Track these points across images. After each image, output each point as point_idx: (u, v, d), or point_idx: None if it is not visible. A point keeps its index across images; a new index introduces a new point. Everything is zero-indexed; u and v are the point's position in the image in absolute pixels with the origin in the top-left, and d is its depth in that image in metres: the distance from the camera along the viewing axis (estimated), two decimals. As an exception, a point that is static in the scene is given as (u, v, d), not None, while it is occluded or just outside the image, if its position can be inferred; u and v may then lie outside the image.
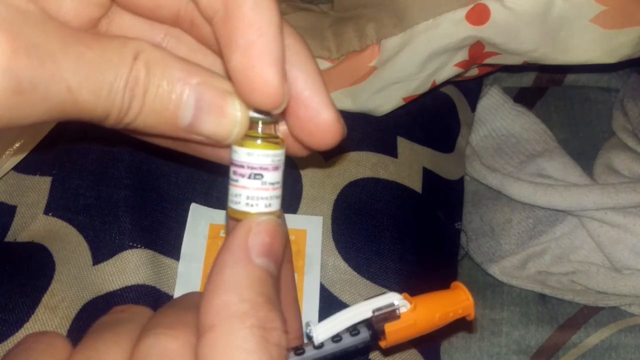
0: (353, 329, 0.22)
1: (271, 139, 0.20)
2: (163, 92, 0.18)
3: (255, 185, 0.20)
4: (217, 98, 0.19)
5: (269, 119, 0.20)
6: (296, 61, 0.20)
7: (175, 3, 0.20)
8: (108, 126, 0.18)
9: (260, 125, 0.20)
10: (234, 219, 0.20)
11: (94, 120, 0.18)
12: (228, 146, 0.20)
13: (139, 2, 0.20)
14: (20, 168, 0.35)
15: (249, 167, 0.20)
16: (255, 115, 0.20)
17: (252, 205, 0.20)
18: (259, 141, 0.20)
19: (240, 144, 0.20)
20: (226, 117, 0.19)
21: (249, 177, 0.20)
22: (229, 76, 0.18)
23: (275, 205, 0.20)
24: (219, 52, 0.20)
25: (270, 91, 0.18)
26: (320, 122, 0.20)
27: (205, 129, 0.19)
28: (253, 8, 0.17)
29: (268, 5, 0.17)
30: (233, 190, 0.20)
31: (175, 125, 0.19)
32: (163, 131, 0.19)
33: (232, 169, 0.20)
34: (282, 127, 0.22)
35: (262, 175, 0.20)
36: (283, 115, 0.20)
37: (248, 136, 0.20)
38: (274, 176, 0.20)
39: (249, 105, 0.19)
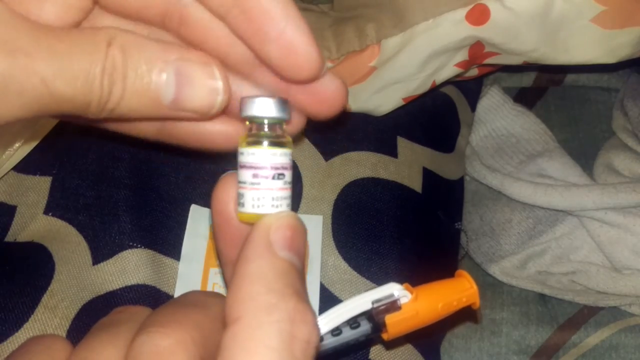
0: (353, 322, 0.22)
1: (282, 139, 0.20)
2: (142, 72, 0.18)
3: (278, 186, 0.19)
4: (196, 70, 0.19)
5: (280, 119, 0.20)
6: None
7: (164, 1, 0.20)
8: (93, 117, 0.18)
9: (266, 125, 0.20)
10: (249, 224, 0.20)
11: (76, 111, 0.18)
12: (213, 118, 0.20)
13: (125, 3, 0.20)
14: (20, 168, 0.35)
15: (273, 168, 0.19)
16: (270, 115, 0.19)
17: (277, 207, 0.19)
18: (266, 142, 0.19)
19: (260, 145, 0.19)
20: (208, 87, 0.19)
21: (274, 178, 0.19)
22: (264, 61, 0.19)
23: (289, 204, 0.20)
24: (210, 48, 0.20)
25: (315, 65, 0.19)
26: (330, 89, 0.20)
27: (189, 102, 0.19)
28: (270, 1, 0.18)
29: None
30: (254, 193, 0.19)
31: (159, 104, 0.19)
32: (148, 113, 0.19)
33: (252, 172, 0.19)
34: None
35: (284, 175, 0.19)
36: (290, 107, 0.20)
37: (265, 137, 0.19)
38: (291, 174, 0.20)
39: (295, 81, 0.19)
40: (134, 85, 0.18)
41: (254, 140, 0.19)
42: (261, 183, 0.19)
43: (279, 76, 0.20)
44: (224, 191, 0.20)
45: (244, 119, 0.20)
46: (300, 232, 0.19)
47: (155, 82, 0.18)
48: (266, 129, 0.20)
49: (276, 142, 0.19)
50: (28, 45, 0.16)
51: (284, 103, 0.20)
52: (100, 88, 0.17)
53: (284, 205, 0.20)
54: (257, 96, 0.19)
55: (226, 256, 0.21)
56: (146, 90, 0.18)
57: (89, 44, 0.17)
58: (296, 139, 0.23)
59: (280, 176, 0.19)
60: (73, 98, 0.17)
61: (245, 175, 0.19)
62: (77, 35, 0.17)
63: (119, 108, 0.18)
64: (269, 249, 0.18)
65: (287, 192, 0.20)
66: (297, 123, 0.22)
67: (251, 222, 0.19)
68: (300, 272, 0.18)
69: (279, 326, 0.16)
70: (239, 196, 0.20)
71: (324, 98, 0.21)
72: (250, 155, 0.19)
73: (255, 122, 0.20)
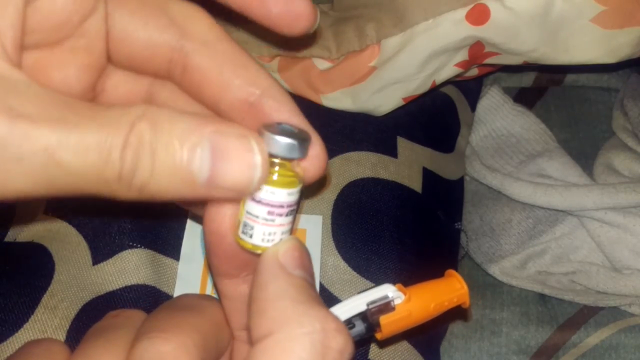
0: (348, 323, 0.22)
1: (299, 176, 0.20)
2: (174, 148, 0.16)
3: (289, 221, 0.20)
4: (233, 143, 0.17)
5: (300, 157, 0.20)
6: None
7: (169, 49, 0.20)
8: (121, 197, 0.17)
9: (277, 165, 0.19)
10: (255, 254, 0.20)
11: (98, 189, 0.16)
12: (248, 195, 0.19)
13: (134, 55, 0.20)
14: (20, 168, 0.34)
15: (288, 206, 0.19)
16: (292, 157, 0.19)
17: (283, 238, 0.20)
18: (284, 180, 0.19)
19: (279, 185, 0.19)
20: (245, 162, 0.18)
21: (287, 215, 0.20)
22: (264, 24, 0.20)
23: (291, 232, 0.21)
24: (205, 101, 0.21)
25: (311, 18, 0.21)
26: (299, 10, 0.22)
27: (225, 179, 0.17)
28: None
29: None
30: (266, 229, 0.19)
31: (193, 184, 0.17)
32: (181, 193, 0.17)
33: (267, 209, 0.19)
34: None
35: (295, 210, 0.20)
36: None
37: (284, 176, 0.19)
38: (298, 206, 0.20)
39: (290, 33, 0.21)
40: (164, 162, 0.16)
41: (271, 177, 0.19)
42: (275, 220, 0.19)
43: (277, 30, 0.21)
44: (217, 211, 0.20)
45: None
46: (305, 251, 0.20)
47: (188, 159, 0.17)
48: (285, 168, 0.19)
49: (293, 182, 0.19)
50: (34, 112, 0.15)
51: (306, 141, 0.19)
52: (121, 163, 0.16)
53: (288, 235, 0.20)
54: (279, 132, 0.19)
55: (218, 269, 0.21)
56: (178, 168, 0.17)
57: (110, 117, 0.16)
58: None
59: (292, 212, 0.20)
60: (85, 172, 0.16)
61: (258, 210, 0.19)
62: (101, 111, 0.16)
63: (148, 188, 0.17)
64: (283, 270, 0.18)
65: (292, 224, 0.20)
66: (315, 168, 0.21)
67: (254, 252, 0.20)
68: (315, 289, 0.19)
69: (311, 337, 0.16)
70: (246, 226, 0.19)
71: (297, 14, 0.22)
72: (269, 194, 0.19)
73: (274, 158, 0.19)
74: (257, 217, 0.19)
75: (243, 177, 0.18)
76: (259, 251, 0.20)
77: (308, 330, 0.16)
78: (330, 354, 0.16)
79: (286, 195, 0.19)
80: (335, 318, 0.17)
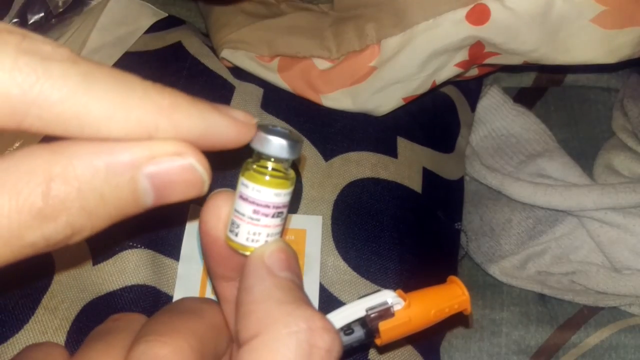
0: (347, 328, 0.22)
1: (288, 178, 0.20)
2: (109, 194, 0.15)
3: (275, 223, 0.19)
4: (173, 170, 0.16)
5: (292, 159, 0.19)
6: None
7: None
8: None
9: (270, 165, 0.19)
10: (242, 254, 0.20)
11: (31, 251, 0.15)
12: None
13: None
14: (19, 168, 0.34)
15: (275, 207, 0.19)
16: (283, 157, 0.19)
17: (269, 241, 0.20)
18: (272, 180, 0.19)
19: (266, 184, 0.19)
20: (191, 183, 0.16)
21: (273, 217, 0.19)
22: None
23: (280, 236, 0.20)
24: None
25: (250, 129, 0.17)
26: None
27: (174, 198, 0.17)
28: None
29: None
30: (251, 228, 0.19)
31: (139, 209, 0.17)
32: (126, 216, 0.17)
33: (253, 207, 0.19)
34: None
35: (282, 213, 0.19)
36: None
37: (273, 177, 0.19)
38: (288, 209, 0.20)
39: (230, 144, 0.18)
40: (103, 210, 0.16)
41: (261, 176, 0.19)
42: (260, 220, 0.19)
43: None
44: (212, 213, 0.20)
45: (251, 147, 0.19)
46: (292, 253, 0.19)
47: (128, 196, 0.16)
48: (274, 168, 0.19)
49: (282, 183, 0.19)
50: None
51: (298, 143, 0.19)
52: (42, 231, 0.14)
53: (275, 237, 0.20)
54: (271, 131, 0.19)
55: (215, 271, 0.21)
56: (118, 206, 0.16)
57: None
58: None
59: (279, 214, 0.19)
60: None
61: (244, 208, 0.19)
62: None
63: (89, 229, 0.16)
64: (269, 272, 0.18)
65: (281, 227, 0.20)
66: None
67: (240, 252, 0.19)
68: (303, 290, 0.19)
69: (297, 337, 0.16)
70: (233, 224, 0.19)
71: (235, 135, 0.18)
72: (255, 192, 0.19)
73: (265, 158, 0.19)
74: (243, 215, 0.19)
75: (190, 194, 0.17)
76: (246, 252, 0.19)
77: (293, 330, 0.16)
78: (317, 353, 0.16)
79: (273, 195, 0.19)
80: (322, 317, 0.17)
